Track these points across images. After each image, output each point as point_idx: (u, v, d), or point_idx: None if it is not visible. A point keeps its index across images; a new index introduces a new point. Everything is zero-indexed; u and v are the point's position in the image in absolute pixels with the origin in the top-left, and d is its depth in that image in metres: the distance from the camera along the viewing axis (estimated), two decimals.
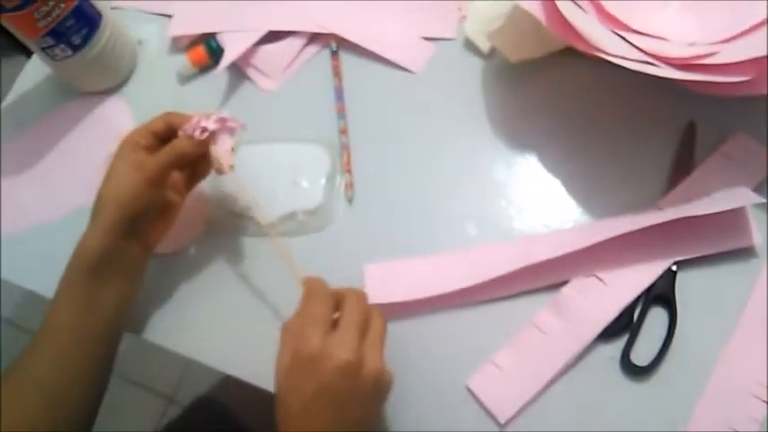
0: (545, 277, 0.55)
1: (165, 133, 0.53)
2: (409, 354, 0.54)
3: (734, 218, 0.54)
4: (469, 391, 0.53)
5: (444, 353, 0.54)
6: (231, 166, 0.53)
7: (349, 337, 0.44)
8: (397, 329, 0.53)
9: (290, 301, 0.57)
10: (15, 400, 0.47)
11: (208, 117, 0.52)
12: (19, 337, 1.64)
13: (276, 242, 0.53)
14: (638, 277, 0.54)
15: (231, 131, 0.53)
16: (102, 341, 0.51)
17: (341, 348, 0.43)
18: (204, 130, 0.51)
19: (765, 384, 0.49)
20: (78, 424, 0.50)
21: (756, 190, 0.55)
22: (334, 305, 0.47)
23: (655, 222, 0.52)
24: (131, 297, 0.53)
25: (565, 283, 0.55)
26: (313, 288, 0.48)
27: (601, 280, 0.54)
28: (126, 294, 0.52)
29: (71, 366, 0.49)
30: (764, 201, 0.53)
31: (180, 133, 0.52)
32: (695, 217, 0.51)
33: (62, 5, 0.61)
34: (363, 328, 0.45)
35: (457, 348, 0.54)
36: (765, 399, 0.49)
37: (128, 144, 0.52)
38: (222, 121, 0.52)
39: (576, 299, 0.53)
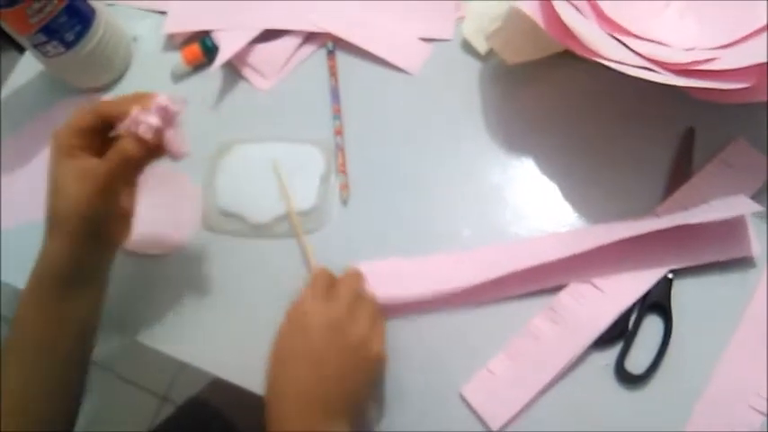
0: (540, 281, 0.54)
1: (98, 126, 0.48)
2: (403, 358, 0.53)
3: (733, 227, 0.53)
4: (463, 397, 0.52)
5: (438, 357, 0.54)
6: (186, 153, 0.49)
7: (336, 303, 0.48)
8: (390, 333, 0.53)
9: (282, 304, 0.57)
10: None
11: (146, 110, 0.47)
12: None
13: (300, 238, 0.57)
14: (634, 284, 0.53)
15: (176, 116, 0.49)
16: (72, 351, 0.49)
17: (325, 307, 0.48)
18: (148, 127, 0.47)
19: (763, 395, 0.49)
20: None
21: (755, 197, 0.54)
22: (331, 283, 0.51)
23: (652, 229, 0.51)
24: (101, 304, 0.51)
25: (560, 288, 0.54)
26: (316, 272, 0.52)
27: (596, 287, 0.53)
28: (95, 302, 0.51)
29: (41, 378, 0.47)
30: (763, 209, 0.52)
31: (121, 132, 0.47)
32: (693, 225, 0.51)
33: (55, 2, 0.60)
34: (352, 299, 0.49)
35: (451, 353, 0.54)
36: (763, 410, 0.48)
37: (61, 149, 0.47)
38: (164, 110, 0.47)
39: (571, 306, 0.53)
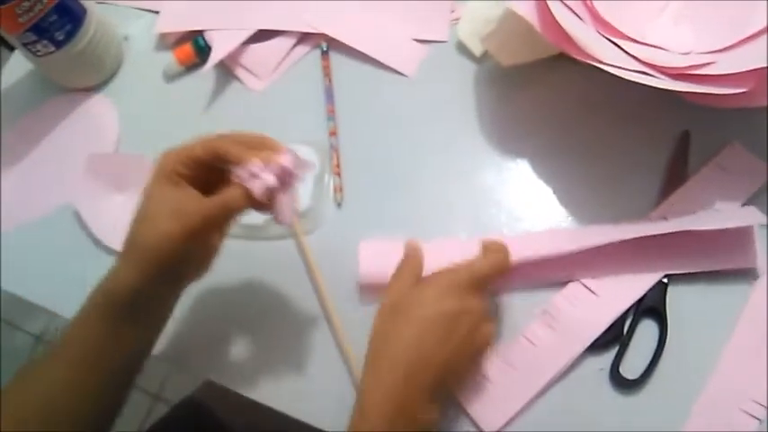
0: (535, 277, 0.53)
1: (208, 161, 0.44)
2: None
3: (739, 237, 0.52)
4: (458, 401, 0.51)
5: None
6: (293, 221, 0.46)
7: (452, 295, 0.46)
8: None
9: (272, 307, 0.57)
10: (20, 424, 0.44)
11: (267, 166, 0.43)
12: (2, 331, 1.63)
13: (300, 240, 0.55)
14: (629, 289, 0.53)
15: (295, 180, 0.45)
16: (120, 375, 0.47)
17: (439, 299, 0.46)
18: (264, 186, 0.43)
19: (758, 400, 0.49)
20: None
21: (751, 201, 0.54)
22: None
23: (654, 233, 0.51)
24: (158, 334, 0.49)
25: (555, 286, 0.54)
26: (414, 256, 0.50)
27: (591, 291, 0.53)
28: (153, 332, 0.48)
29: (85, 397, 0.45)
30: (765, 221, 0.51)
31: (233, 178, 0.44)
32: (697, 231, 0.50)
33: (44, 1, 0.60)
34: (468, 287, 0.47)
35: None
36: (758, 415, 0.48)
37: (165, 173, 0.44)
38: (284, 171, 0.43)
39: (566, 310, 0.53)
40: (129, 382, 0.49)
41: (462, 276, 0.47)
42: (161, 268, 0.43)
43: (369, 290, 0.55)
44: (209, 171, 0.45)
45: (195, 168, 0.44)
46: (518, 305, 0.54)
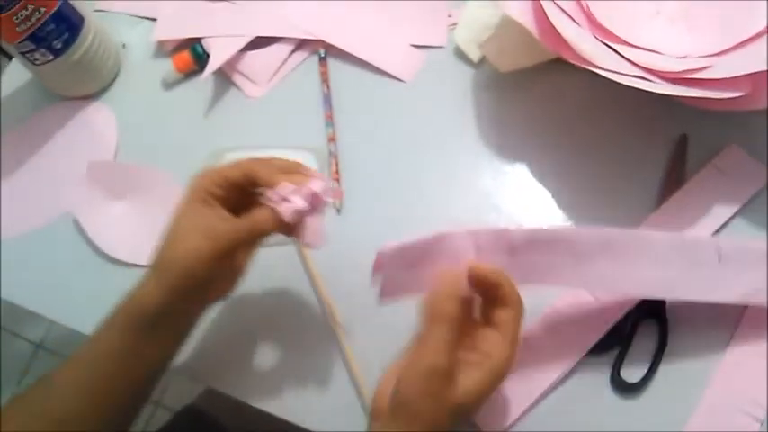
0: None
1: (241, 184, 0.45)
2: None
3: None
4: None
5: None
6: (319, 245, 0.46)
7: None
8: (382, 344, 0.52)
9: (274, 314, 0.57)
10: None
11: (297, 189, 0.44)
12: (1, 338, 1.63)
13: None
14: (630, 293, 0.53)
15: (324, 206, 0.46)
16: (137, 388, 0.47)
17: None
18: (293, 209, 0.44)
19: (759, 403, 0.49)
20: None
21: (749, 203, 0.55)
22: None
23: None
24: (179, 349, 0.49)
25: (553, 292, 0.54)
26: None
27: (591, 295, 0.53)
28: (174, 348, 0.48)
29: (102, 408, 0.45)
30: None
31: (263, 200, 0.45)
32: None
33: (42, 9, 0.60)
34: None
35: None
36: (759, 416, 0.48)
37: (198, 194, 0.45)
38: (314, 196, 0.44)
39: (566, 314, 0.53)
40: (145, 398, 0.49)
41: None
42: (188, 286, 0.44)
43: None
44: (240, 193, 0.46)
45: (228, 190, 0.45)
46: None
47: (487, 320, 0.45)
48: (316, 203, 0.45)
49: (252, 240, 0.46)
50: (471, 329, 0.45)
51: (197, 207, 0.44)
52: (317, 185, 0.44)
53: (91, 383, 0.45)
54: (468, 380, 0.41)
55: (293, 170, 0.46)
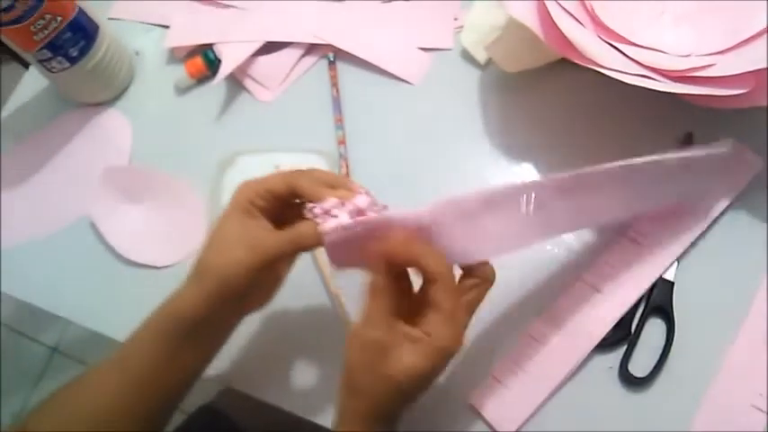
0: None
1: (284, 196, 0.45)
2: None
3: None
4: (472, 407, 0.52)
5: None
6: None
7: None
8: None
9: (288, 311, 0.58)
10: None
11: (343, 204, 0.43)
12: (18, 342, 1.64)
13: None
14: (633, 286, 0.53)
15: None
16: (172, 393, 0.47)
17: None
18: (337, 225, 0.43)
19: (765, 395, 0.49)
20: None
21: (745, 191, 0.55)
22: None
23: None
24: (212, 359, 0.49)
25: (558, 287, 0.55)
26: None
27: (596, 289, 0.54)
28: (210, 354, 0.48)
29: (136, 413, 0.46)
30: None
31: (307, 214, 0.44)
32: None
33: (59, 19, 0.61)
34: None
35: (454, 362, 0.54)
36: (765, 409, 0.49)
37: (242, 205, 0.45)
38: (360, 213, 0.43)
39: (572, 309, 0.53)
40: (176, 405, 0.49)
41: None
42: (228, 295, 0.44)
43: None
44: (284, 205, 0.46)
45: (271, 201, 0.45)
46: (522, 307, 0.55)
47: (426, 298, 0.43)
48: (362, 218, 0.43)
49: (293, 253, 0.46)
50: (418, 307, 0.43)
51: (240, 217, 0.44)
52: (361, 201, 0.43)
53: (124, 388, 0.45)
54: (407, 357, 0.40)
55: (338, 184, 0.45)
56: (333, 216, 0.43)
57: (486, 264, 0.44)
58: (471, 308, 0.43)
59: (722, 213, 0.55)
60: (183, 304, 0.45)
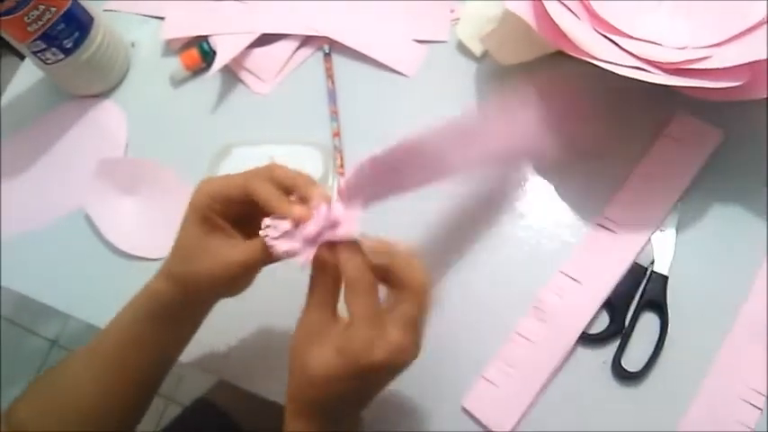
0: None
1: (241, 200, 0.43)
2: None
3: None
4: (465, 409, 0.52)
5: (434, 372, 0.52)
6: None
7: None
8: None
9: (283, 306, 0.58)
10: (46, 418, 0.46)
11: (298, 227, 0.40)
12: (17, 334, 1.65)
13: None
14: (610, 273, 0.54)
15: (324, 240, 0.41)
16: (149, 377, 0.49)
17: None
18: (289, 247, 0.41)
19: (759, 390, 0.49)
20: None
21: (707, 165, 0.56)
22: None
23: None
24: (186, 343, 0.50)
25: (537, 282, 0.55)
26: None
27: (574, 279, 0.54)
28: (185, 338, 0.49)
29: (113, 395, 0.47)
30: None
31: (262, 230, 0.42)
32: None
33: (53, 9, 0.61)
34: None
35: (443, 365, 0.53)
36: (758, 404, 0.49)
37: (201, 209, 0.43)
38: (317, 235, 0.40)
39: (554, 302, 0.54)
40: (153, 389, 0.50)
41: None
42: (196, 293, 0.45)
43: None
44: (247, 206, 0.43)
45: (231, 206, 0.43)
46: (506, 305, 0.55)
47: None
48: (315, 239, 0.40)
49: (246, 271, 0.44)
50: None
51: (198, 227, 0.43)
52: (317, 223, 0.40)
53: (99, 371, 0.46)
54: (324, 352, 0.39)
55: (298, 185, 0.42)
56: (285, 239, 0.41)
57: (413, 273, 0.40)
58: (406, 321, 0.39)
59: (719, 210, 0.55)
60: (154, 295, 0.46)
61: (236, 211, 0.44)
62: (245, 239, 0.44)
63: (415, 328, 0.39)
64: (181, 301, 0.45)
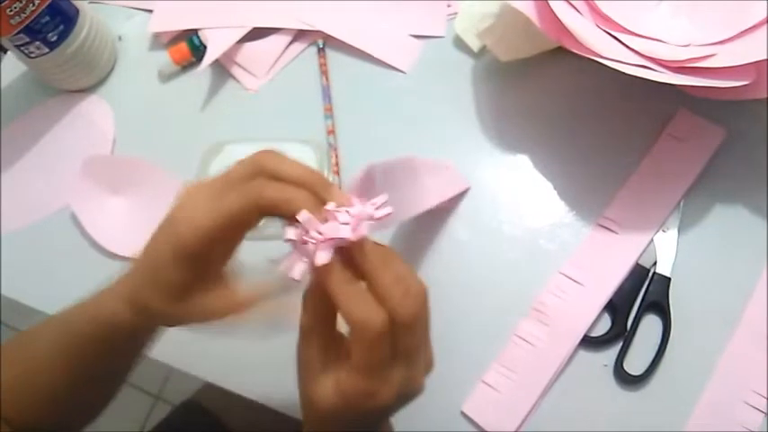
0: None
1: (246, 223, 0.39)
2: None
3: None
4: (465, 414, 0.51)
5: (432, 376, 0.52)
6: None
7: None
8: None
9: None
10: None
11: (325, 240, 0.33)
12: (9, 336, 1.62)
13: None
14: (612, 275, 0.53)
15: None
16: (115, 355, 0.46)
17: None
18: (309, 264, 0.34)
19: (762, 394, 0.48)
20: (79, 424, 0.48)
21: (709, 164, 0.55)
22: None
23: None
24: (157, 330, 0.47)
25: (538, 283, 0.54)
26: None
27: (576, 281, 0.53)
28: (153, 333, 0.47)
29: (72, 366, 0.45)
30: None
31: (285, 240, 0.35)
32: None
33: (36, 1, 0.59)
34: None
35: (443, 370, 0.52)
36: (762, 408, 0.48)
37: (189, 249, 0.38)
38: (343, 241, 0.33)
39: (554, 303, 0.53)
40: (116, 376, 0.48)
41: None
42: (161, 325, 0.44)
43: None
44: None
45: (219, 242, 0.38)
46: (506, 305, 0.54)
47: None
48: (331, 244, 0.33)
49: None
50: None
51: (191, 274, 0.38)
52: (344, 230, 0.33)
53: (67, 339, 0.44)
54: (328, 384, 0.36)
55: (314, 184, 0.36)
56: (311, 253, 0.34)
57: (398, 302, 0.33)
58: (409, 359, 0.35)
59: (722, 210, 0.55)
60: (111, 320, 0.42)
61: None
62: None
63: (416, 362, 0.36)
64: (144, 327, 0.43)
